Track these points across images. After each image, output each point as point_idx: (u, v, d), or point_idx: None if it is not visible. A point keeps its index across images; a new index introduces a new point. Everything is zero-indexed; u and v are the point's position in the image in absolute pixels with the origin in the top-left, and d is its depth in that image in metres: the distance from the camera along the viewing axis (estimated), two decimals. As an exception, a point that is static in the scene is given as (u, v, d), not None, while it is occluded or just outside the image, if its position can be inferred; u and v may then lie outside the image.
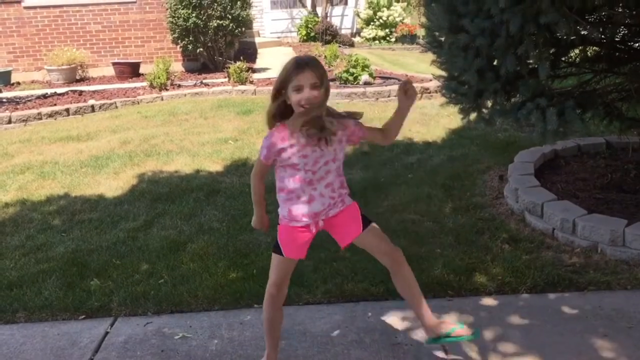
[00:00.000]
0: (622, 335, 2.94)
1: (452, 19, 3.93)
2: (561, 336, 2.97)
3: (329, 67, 11.04)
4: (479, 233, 4.20)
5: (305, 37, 16.46)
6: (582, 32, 3.81)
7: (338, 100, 8.67)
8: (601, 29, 3.79)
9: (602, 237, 3.76)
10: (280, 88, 2.44)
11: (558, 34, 3.60)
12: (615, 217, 3.92)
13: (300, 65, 2.39)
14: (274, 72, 10.84)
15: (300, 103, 2.39)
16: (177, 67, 11.43)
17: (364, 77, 9.34)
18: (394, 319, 3.18)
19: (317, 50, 13.57)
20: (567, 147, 5.34)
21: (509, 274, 3.58)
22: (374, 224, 2.73)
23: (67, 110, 8.40)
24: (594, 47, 4.32)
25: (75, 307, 3.43)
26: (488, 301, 3.34)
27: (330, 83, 9.54)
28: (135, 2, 11.60)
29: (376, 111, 8.05)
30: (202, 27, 10.62)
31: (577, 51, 4.50)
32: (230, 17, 10.71)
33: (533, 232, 4.16)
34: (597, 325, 3.04)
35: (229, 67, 9.93)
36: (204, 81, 10.14)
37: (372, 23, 17.06)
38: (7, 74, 11.17)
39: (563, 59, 4.30)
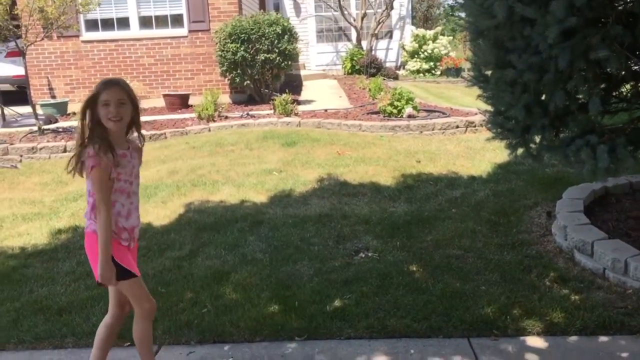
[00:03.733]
0: (679, 384, 2.81)
1: (499, 54, 3.93)
2: (613, 382, 2.85)
3: (373, 99, 11.11)
4: (525, 271, 4.10)
5: (350, 70, 16.65)
6: (634, 68, 3.74)
7: (382, 132, 8.70)
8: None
9: (656, 278, 3.62)
10: (90, 102, 2.65)
11: (609, 69, 3.54)
12: (670, 257, 3.78)
13: (109, 83, 2.69)
14: (319, 105, 10.99)
15: (108, 117, 2.63)
16: (225, 99, 11.69)
17: (408, 109, 9.34)
18: (438, 357, 3.12)
19: (362, 83, 13.70)
20: (619, 184, 5.19)
21: (558, 315, 3.48)
22: None
23: (119, 140, 8.68)
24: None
25: (121, 334, 3.46)
26: (535, 342, 3.24)
27: (374, 116, 9.49)
28: (186, 37, 12.00)
29: (420, 144, 8.04)
30: (250, 60, 10.88)
31: (628, 86, 4.41)
32: (277, 50, 10.94)
33: (583, 271, 4.03)
34: (651, 372, 2.92)
35: (275, 99, 10.10)
36: (250, 113, 10.34)
37: (416, 56, 17.14)
38: (65, 104, 11.66)
39: (614, 94, 4.22)
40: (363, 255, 4.48)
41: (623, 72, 3.70)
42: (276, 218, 5.33)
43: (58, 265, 4.56)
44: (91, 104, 2.65)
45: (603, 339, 3.24)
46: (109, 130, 2.67)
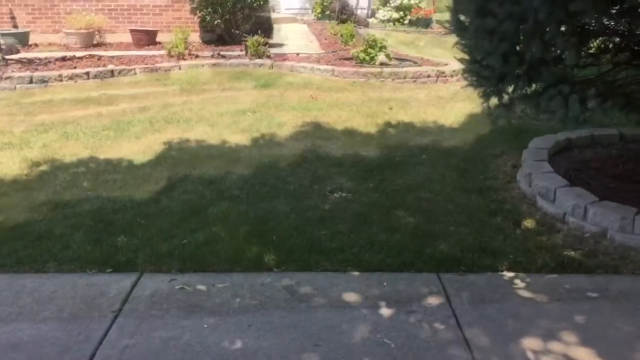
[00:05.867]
0: (626, 316, 3.08)
1: (480, 2, 4.00)
2: (569, 313, 3.10)
3: (345, 45, 11.09)
4: (491, 214, 4.32)
5: (319, 15, 16.42)
6: (606, 22, 3.89)
7: (355, 79, 8.74)
8: (625, 20, 3.87)
9: (612, 223, 3.88)
10: None
11: (586, 24, 3.67)
12: (626, 205, 4.03)
13: None
14: (291, 48, 10.88)
15: None
16: (194, 37, 11.43)
17: (381, 57, 9.38)
18: (409, 289, 3.31)
19: (333, 29, 13.55)
20: (581, 136, 5.43)
21: (520, 254, 3.71)
22: None
23: (87, 73, 8.48)
24: (617, 38, 4.39)
25: (103, 261, 3.56)
26: (499, 278, 3.47)
27: (347, 62, 9.44)
28: (155, -30, 11.59)
29: (391, 92, 8.13)
30: (222, -2, 10.63)
31: (597, 42, 4.57)
32: (249, -11, 10.71)
33: (545, 216, 4.28)
34: (603, 306, 3.18)
35: (246, 40, 9.95)
36: (221, 53, 10.19)
37: (388, 4, 17.00)
38: (26, 34, 11.21)
39: (583, 48, 4.37)
40: (337, 195, 4.62)
41: (596, 27, 3.85)
42: (252, 157, 5.40)
43: (33, 194, 4.55)
44: None
45: (561, 276, 3.49)
46: None
